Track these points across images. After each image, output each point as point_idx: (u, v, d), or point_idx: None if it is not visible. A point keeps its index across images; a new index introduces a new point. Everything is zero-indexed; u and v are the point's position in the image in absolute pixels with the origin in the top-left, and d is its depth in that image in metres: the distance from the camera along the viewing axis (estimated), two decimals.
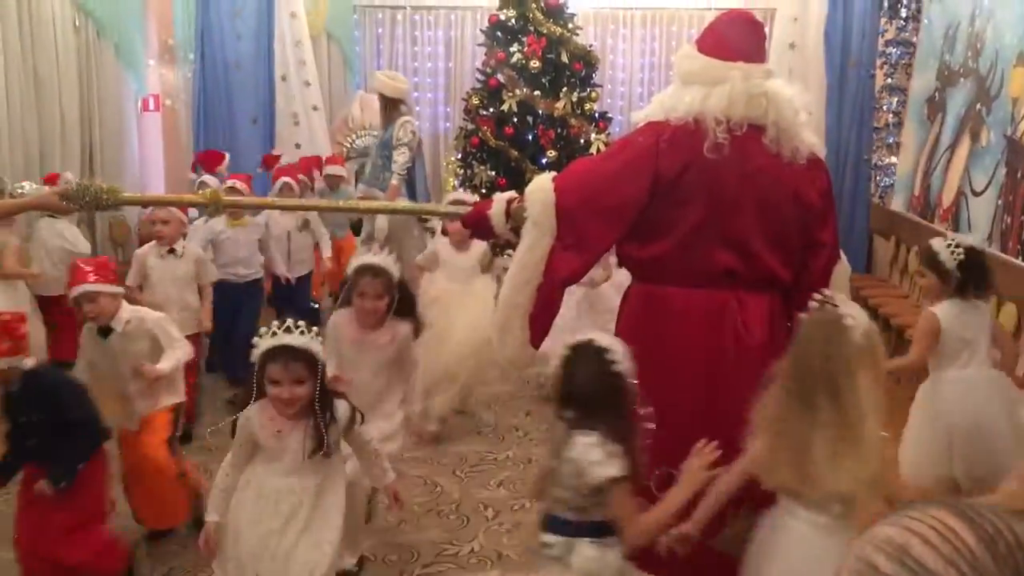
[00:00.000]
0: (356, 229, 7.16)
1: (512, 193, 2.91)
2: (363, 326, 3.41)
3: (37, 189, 5.20)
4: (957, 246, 3.49)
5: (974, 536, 0.84)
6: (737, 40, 2.63)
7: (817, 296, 2.25)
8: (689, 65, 2.63)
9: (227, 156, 7.40)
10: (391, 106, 6.54)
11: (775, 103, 2.52)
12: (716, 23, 2.72)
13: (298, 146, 8.27)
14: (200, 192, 3.82)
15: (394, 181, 6.45)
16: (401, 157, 6.39)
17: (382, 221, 6.46)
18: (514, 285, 2.66)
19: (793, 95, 2.58)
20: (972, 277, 3.46)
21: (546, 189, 2.62)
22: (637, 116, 2.74)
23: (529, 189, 2.69)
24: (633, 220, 2.59)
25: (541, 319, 2.69)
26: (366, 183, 6.76)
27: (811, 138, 2.63)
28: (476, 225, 3.05)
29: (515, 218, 2.78)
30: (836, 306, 2.19)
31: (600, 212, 2.59)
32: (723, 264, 2.58)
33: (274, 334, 2.60)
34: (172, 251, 4.70)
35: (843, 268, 2.87)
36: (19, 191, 5.18)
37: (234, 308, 5.25)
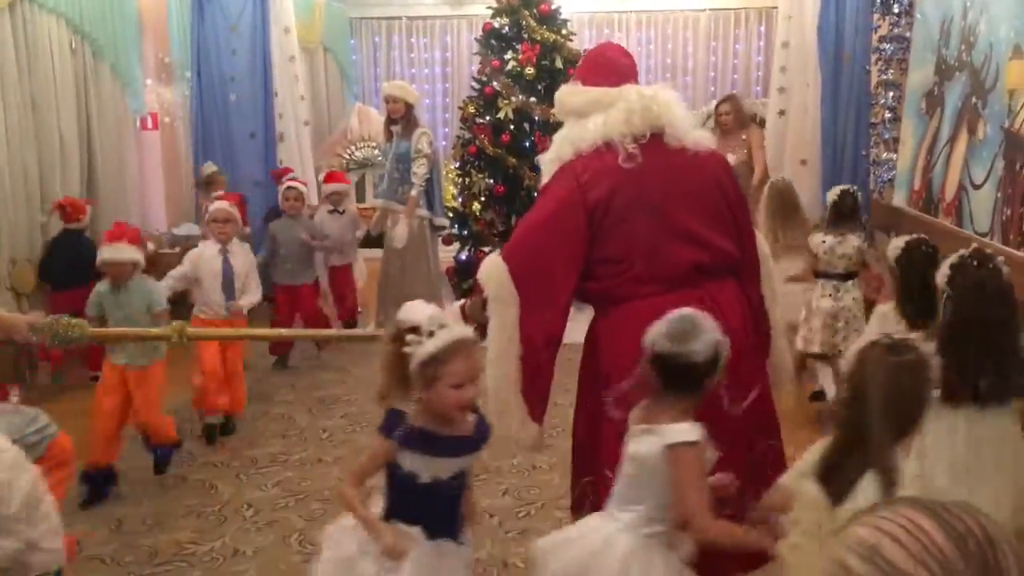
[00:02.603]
0: (379, 240, 7.19)
1: (461, 301, 2.98)
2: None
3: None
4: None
5: (943, 534, 0.84)
6: (616, 68, 2.86)
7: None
8: (581, 99, 2.80)
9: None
10: (410, 115, 6.59)
11: (665, 107, 2.70)
12: (592, 57, 2.97)
13: (280, 162, 8.31)
14: (168, 326, 3.85)
15: (413, 193, 6.51)
16: (421, 169, 6.47)
17: (402, 228, 6.53)
18: (496, 364, 2.68)
19: (676, 97, 2.78)
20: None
21: (496, 263, 2.70)
22: (545, 157, 2.85)
23: (481, 272, 2.76)
24: (584, 257, 2.66)
25: (535, 390, 2.71)
26: (383, 196, 6.79)
27: (701, 133, 2.80)
28: None
29: (473, 315, 2.83)
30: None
31: (550, 263, 2.66)
32: (688, 259, 2.65)
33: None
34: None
35: (766, 250, 3.00)
36: None
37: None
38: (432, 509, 2.38)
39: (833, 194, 5.12)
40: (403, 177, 6.61)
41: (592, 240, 2.65)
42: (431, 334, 2.23)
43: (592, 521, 2.41)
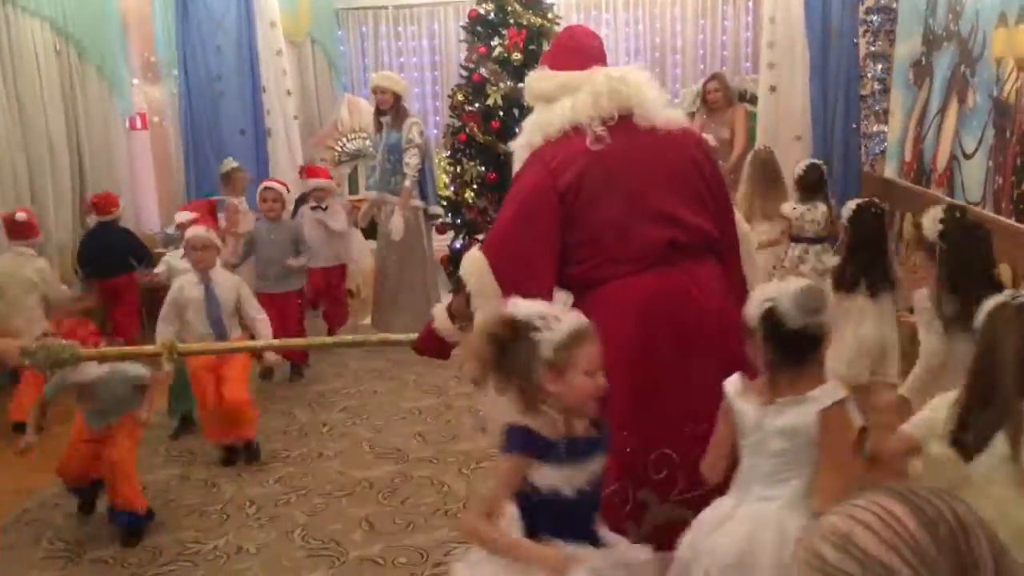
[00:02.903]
0: (372, 232, 7.17)
1: (446, 302, 2.95)
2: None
3: None
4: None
5: (915, 521, 0.85)
6: (583, 50, 2.85)
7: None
8: (549, 84, 2.78)
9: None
10: (399, 105, 6.57)
11: (634, 88, 2.69)
12: (560, 41, 2.95)
13: (269, 158, 8.28)
14: (158, 344, 3.81)
15: (407, 183, 6.50)
16: (413, 159, 6.46)
17: (398, 220, 6.52)
18: None
19: (648, 78, 2.76)
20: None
21: (476, 258, 2.71)
22: (516, 144, 2.85)
23: (462, 268, 2.76)
24: (560, 243, 2.66)
25: None
26: (376, 188, 6.77)
27: (674, 112, 2.79)
28: (428, 345, 3.05)
29: (459, 313, 2.83)
30: None
31: (529, 252, 2.66)
32: (662, 238, 2.64)
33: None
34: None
35: (745, 227, 3.00)
36: None
37: None
38: (575, 521, 2.20)
39: (799, 168, 5.55)
40: (395, 168, 6.60)
41: (566, 224, 2.65)
42: (552, 322, 2.12)
43: (727, 506, 2.33)
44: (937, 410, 2.32)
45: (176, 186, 8.31)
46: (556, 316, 2.14)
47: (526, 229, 2.67)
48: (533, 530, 2.18)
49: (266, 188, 6.15)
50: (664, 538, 2.66)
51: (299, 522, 4.04)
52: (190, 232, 4.85)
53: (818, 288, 2.31)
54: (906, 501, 0.87)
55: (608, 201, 2.64)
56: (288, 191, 6.42)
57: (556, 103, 2.72)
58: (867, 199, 4.43)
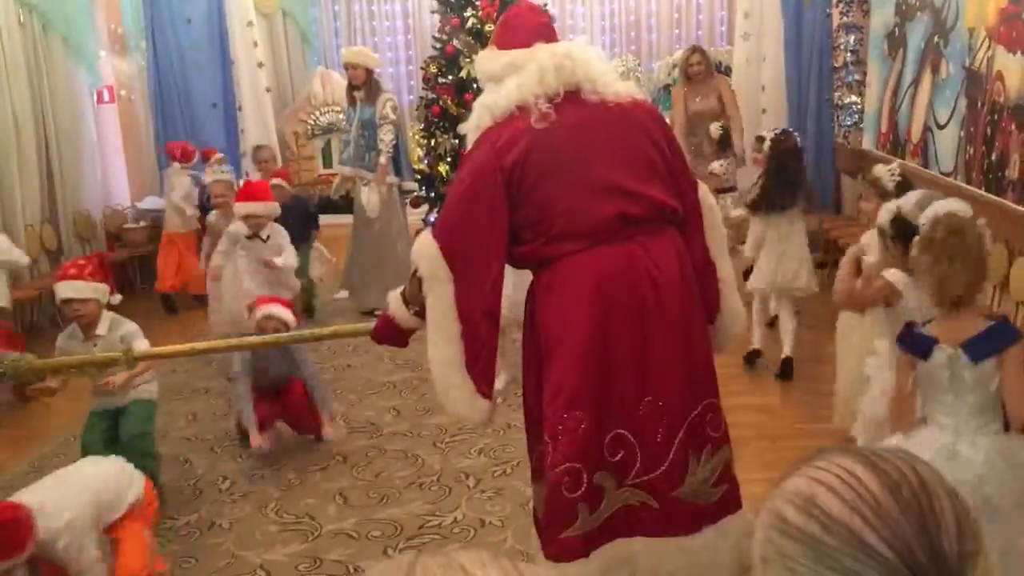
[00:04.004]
0: (347, 207, 7.11)
1: (400, 288, 2.91)
2: None
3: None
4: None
5: (877, 482, 0.84)
6: (528, 27, 2.78)
7: None
8: (497, 63, 2.75)
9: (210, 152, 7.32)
10: (372, 81, 6.51)
11: (580, 62, 2.65)
12: (505, 20, 2.87)
13: (241, 131, 8.18)
14: (118, 351, 3.69)
15: (382, 160, 6.47)
16: (388, 135, 6.43)
17: (373, 196, 6.48)
18: (437, 345, 2.66)
19: (597, 53, 2.75)
20: None
21: (427, 242, 2.68)
22: (466, 127, 2.82)
23: (413, 253, 2.74)
24: (507, 224, 2.64)
25: (479, 364, 2.68)
26: (350, 164, 6.71)
27: (625, 85, 2.75)
28: (386, 332, 2.99)
29: (412, 299, 2.80)
30: None
31: (478, 235, 2.64)
32: (612, 211, 2.60)
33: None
34: None
35: (711, 199, 2.98)
36: None
37: None
38: None
39: (715, 130, 6.39)
40: (369, 144, 6.55)
41: (513, 205, 2.63)
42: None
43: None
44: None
45: (146, 161, 8.21)
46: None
47: (473, 211, 2.65)
48: None
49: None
50: (621, 524, 2.64)
51: (273, 496, 4.02)
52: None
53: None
54: (867, 462, 0.87)
55: (555, 178, 2.61)
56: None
57: (503, 83, 2.69)
58: (783, 128, 5.55)
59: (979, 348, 2.43)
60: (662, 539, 2.65)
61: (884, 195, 3.68)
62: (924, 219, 2.64)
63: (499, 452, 4.33)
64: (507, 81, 2.67)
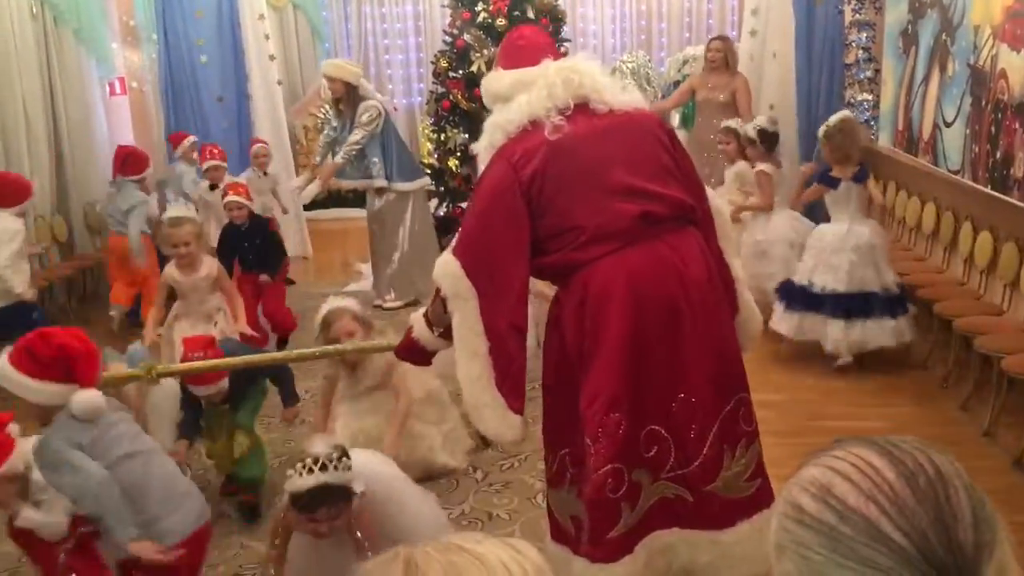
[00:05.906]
0: (359, 201, 7.09)
1: (422, 310, 2.94)
2: None
3: None
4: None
5: (894, 471, 0.85)
6: (533, 47, 2.84)
7: None
8: (504, 83, 2.80)
9: (190, 137, 7.35)
10: (351, 93, 6.46)
11: (586, 75, 2.71)
12: (508, 42, 2.95)
13: (252, 124, 8.20)
14: (139, 366, 3.64)
15: (338, 159, 6.46)
16: (354, 137, 6.38)
17: (313, 187, 6.64)
18: (466, 363, 2.68)
19: (598, 66, 2.82)
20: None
21: (449, 262, 2.70)
22: (478, 146, 2.86)
23: (435, 273, 2.75)
24: (529, 238, 2.67)
25: (509, 380, 2.70)
26: (348, 177, 6.71)
27: (630, 96, 2.80)
28: (409, 352, 3.04)
29: (436, 320, 2.82)
30: None
31: (500, 251, 2.67)
32: (636, 211, 2.63)
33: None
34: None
35: (719, 203, 3.03)
36: None
37: None
38: None
39: (751, 129, 6.90)
40: (360, 152, 6.51)
41: (535, 218, 2.65)
42: None
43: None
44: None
45: (156, 153, 8.23)
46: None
47: (494, 226, 2.68)
48: None
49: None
50: (658, 516, 2.67)
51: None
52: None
53: None
54: (884, 452, 0.87)
55: (574, 186, 2.64)
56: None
57: (513, 101, 2.72)
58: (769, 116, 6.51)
59: (859, 177, 5.02)
60: (696, 531, 2.71)
61: (747, 142, 5.80)
62: (831, 121, 5.16)
63: (508, 445, 4.33)
64: (516, 98, 2.71)
